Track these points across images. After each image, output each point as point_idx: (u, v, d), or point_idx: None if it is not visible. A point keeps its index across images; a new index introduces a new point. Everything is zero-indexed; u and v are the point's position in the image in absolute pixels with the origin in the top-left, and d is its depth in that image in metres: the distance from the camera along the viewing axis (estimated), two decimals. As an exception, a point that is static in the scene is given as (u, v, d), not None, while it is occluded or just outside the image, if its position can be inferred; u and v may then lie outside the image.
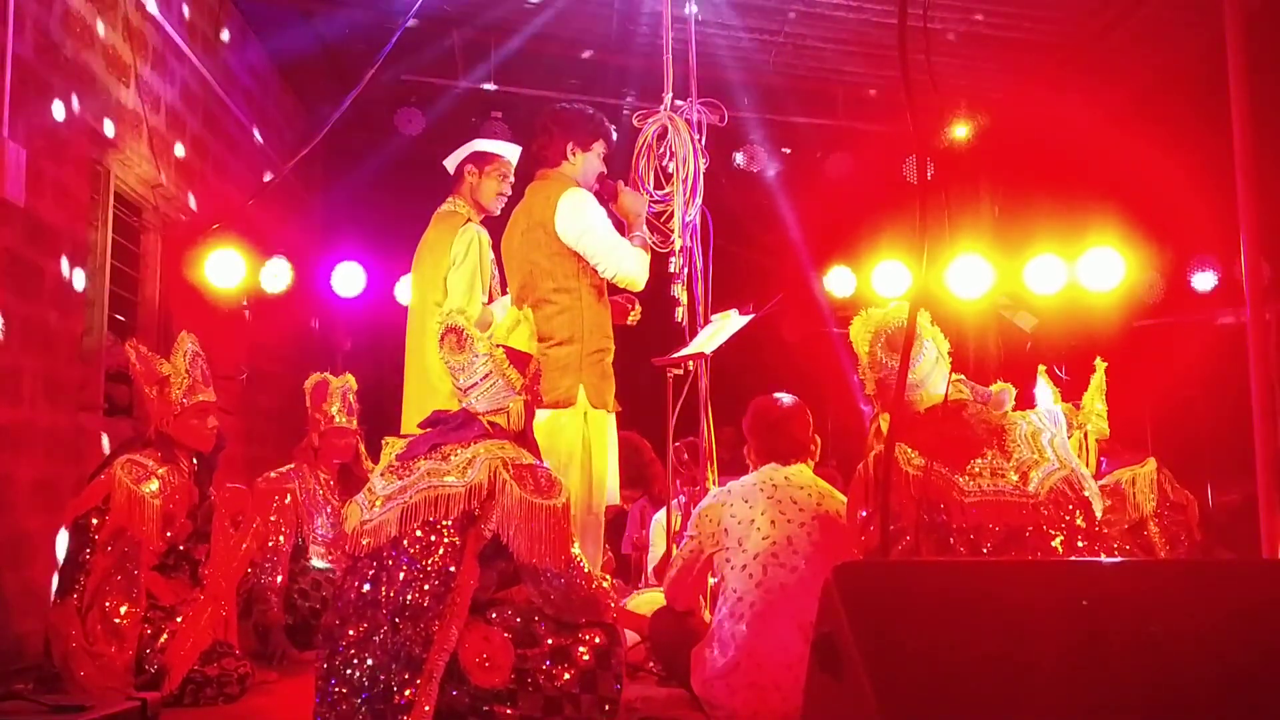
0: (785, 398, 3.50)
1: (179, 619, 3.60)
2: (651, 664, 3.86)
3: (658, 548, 5.05)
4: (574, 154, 3.91)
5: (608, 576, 3.19)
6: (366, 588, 2.77)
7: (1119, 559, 3.78)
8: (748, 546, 3.20)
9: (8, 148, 3.74)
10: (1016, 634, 1.57)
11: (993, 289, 7.18)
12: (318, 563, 4.63)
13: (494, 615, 2.81)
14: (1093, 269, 6.88)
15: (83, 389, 4.54)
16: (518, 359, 3.00)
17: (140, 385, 3.79)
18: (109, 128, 4.63)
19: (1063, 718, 1.52)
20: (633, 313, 4.03)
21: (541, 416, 3.45)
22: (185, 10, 5.50)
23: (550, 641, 2.77)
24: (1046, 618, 1.59)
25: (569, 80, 6.81)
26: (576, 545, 2.87)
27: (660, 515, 5.15)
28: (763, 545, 3.18)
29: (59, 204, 4.23)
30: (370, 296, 7.00)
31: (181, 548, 3.78)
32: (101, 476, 3.62)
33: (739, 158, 7.46)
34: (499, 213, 4.09)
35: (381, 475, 2.94)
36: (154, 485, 3.63)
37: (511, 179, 4.12)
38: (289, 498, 4.63)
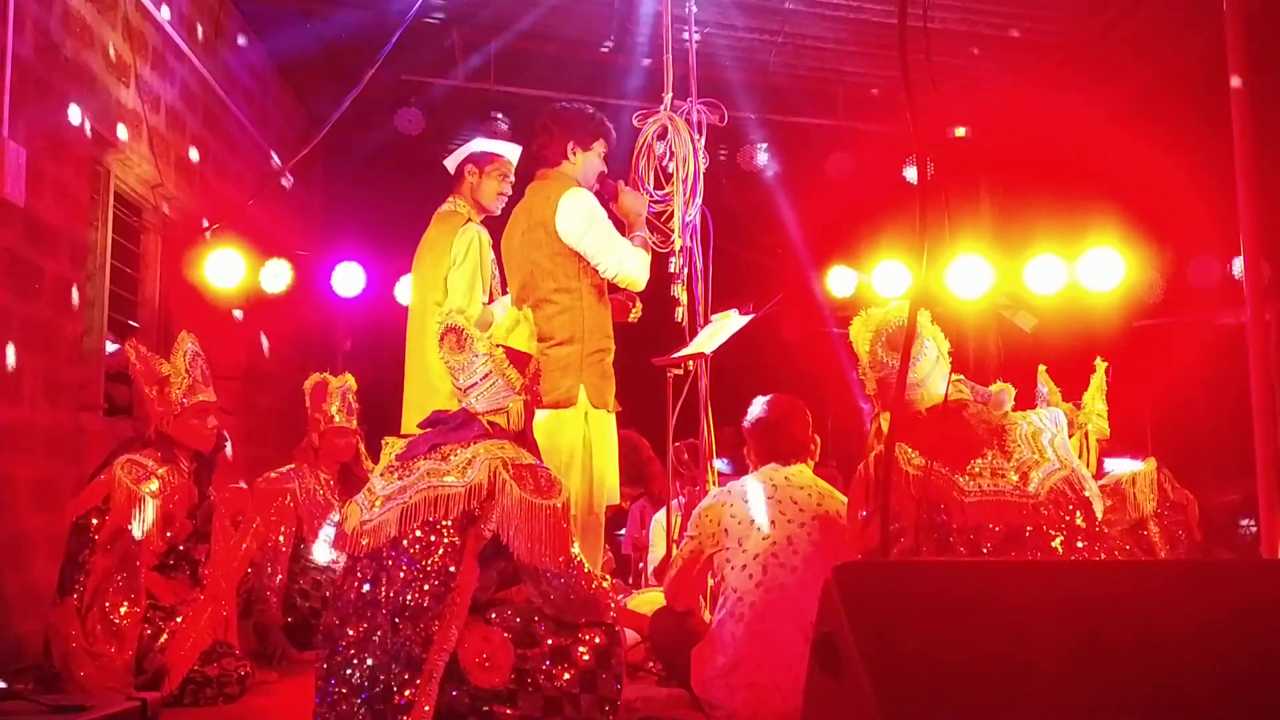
0: (765, 400, 3.49)
1: (179, 619, 3.60)
2: (651, 664, 3.86)
3: (658, 548, 5.05)
4: (574, 153, 3.91)
5: (608, 576, 3.19)
6: (366, 588, 2.77)
7: (1119, 559, 3.78)
8: (748, 546, 3.20)
9: (8, 148, 3.74)
10: (1016, 634, 1.57)
11: (993, 289, 7.18)
12: (323, 554, 4.60)
13: (494, 615, 2.81)
14: (1093, 269, 6.88)
15: (83, 389, 4.54)
16: (517, 359, 3.00)
17: (140, 385, 3.79)
18: (109, 128, 4.63)
19: (1063, 718, 1.52)
20: (634, 310, 4.03)
21: (542, 416, 3.45)
22: (185, 10, 5.50)
23: (550, 641, 2.77)
24: (1046, 618, 1.59)
25: (569, 80, 6.81)
26: (576, 545, 2.87)
27: (660, 515, 5.15)
28: (763, 545, 3.18)
29: (59, 204, 4.23)
30: (370, 296, 7.00)
31: (181, 548, 3.78)
32: (101, 476, 3.63)
33: (735, 156, 7.46)
34: (499, 212, 4.09)
35: (381, 475, 2.94)
36: (154, 485, 3.63)
37: (512, 179, 4.12)
38: (289, 498, 4.63)
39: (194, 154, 5.67)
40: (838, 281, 7.63)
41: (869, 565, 2.22)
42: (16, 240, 3.90)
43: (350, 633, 2.72)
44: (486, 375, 2.96)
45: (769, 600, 3.11)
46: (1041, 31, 6.39)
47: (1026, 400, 4.01)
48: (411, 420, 3.47)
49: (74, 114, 4.35)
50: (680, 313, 4.13)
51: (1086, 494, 2.77)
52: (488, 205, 4.06)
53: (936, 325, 3.08)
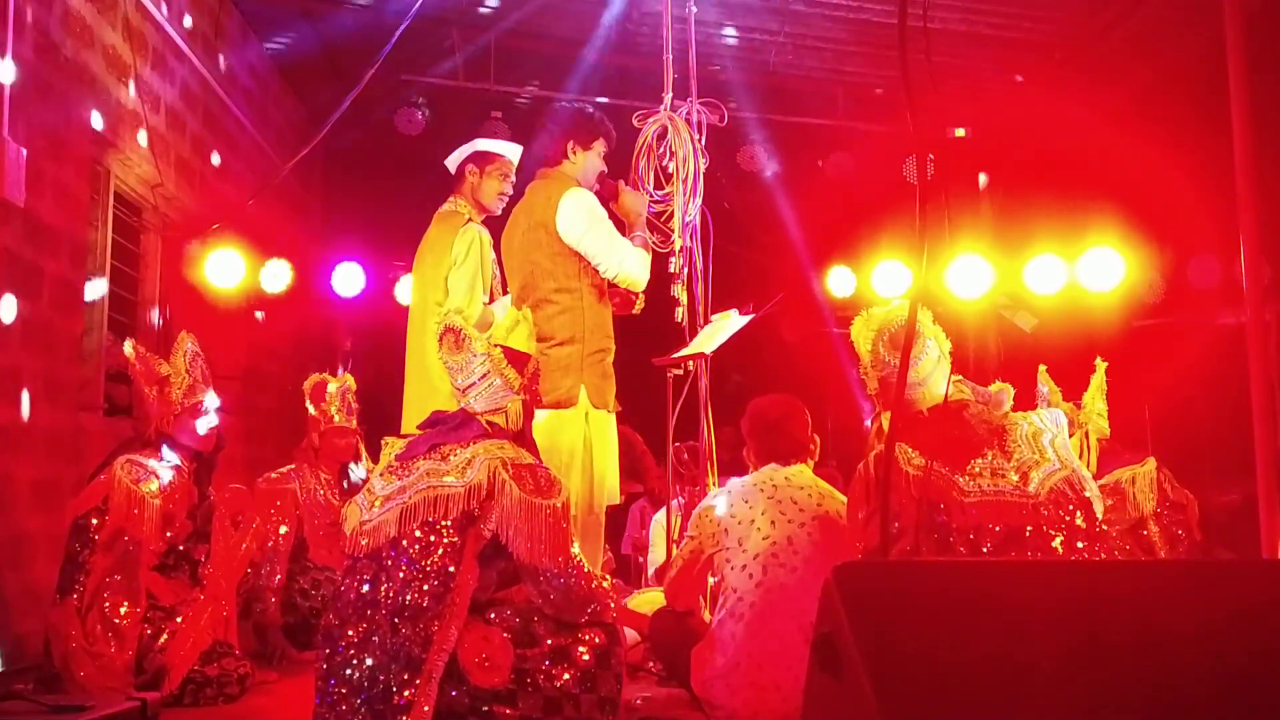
0: (764, 400, 3.48)
1: (179, 619, 3.60)
2: (651, 664, 3.86)
3: (658, 549, 5.05)
4: (574, 153, 3.91)
5: (608, 576, 3.19)
6: (366, 588, 2.77)
7: (1119, 559, 3.78)
8: (748, 546, 3.20)
9: (8, 148, 3.74)
10: (1016, 634, 1.57)
11: (993, 289, 7.18)
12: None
13: (493, 615, 2.81)
14: (1093, 269, 6.88)
15: (83, 389, 4.54)
16: (516, 359, 3.00)
17: (140, 385, 3.79)
18: (109, 128, 4.63)
19: (1063, 718, 1.52)
20: (637, 302, 4.00)
21: (542, 416, 3.45)
22: (185, 10, 5.50)
23: (550, 641, 2.77)
24: (1046, 618, 1.59)
25: (569, 80, 6.81)
26: (576, 545, 2.87)
27: (660, 515, 5.15)
28: (763, 545, 3.18)
29: (59, 204, 4.23)
30: (370, 296, 7.00)
31: (181, 548, 3.78)
32: (101, 476, 3.63)
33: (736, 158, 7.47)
34: (500, 212, 4.09)
35: (381, 475, 2.94)
36: (154, 485, 3.63)
37: (513, 178, 4.12)
38: (289, 498, 4.63)
39: (194, 154, 5.67)
40: (838, 281, 7.63)
41: (869, 565, 2.22)
42: (16, 240, 3.90)
43: (350, 633, 2.72)
44: (484, 375, 2.96)
45: (769, 600, 3.11)
46: (1041, 31, 6.39)
47: (1026, 400, 4.01)
48: (412, 420, 3.47)
49: (74, 114, 4.35)
50: (680, 313, 4.13)
51: (1087, 494, 2.77)
52: (489, 205, 4.06)
53: (938, 325, 3.08)
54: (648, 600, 3.96)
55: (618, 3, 6.10)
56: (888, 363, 2.99)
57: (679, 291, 4.10)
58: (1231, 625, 1.61)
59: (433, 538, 2.76)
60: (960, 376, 3.06)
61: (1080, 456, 4.02)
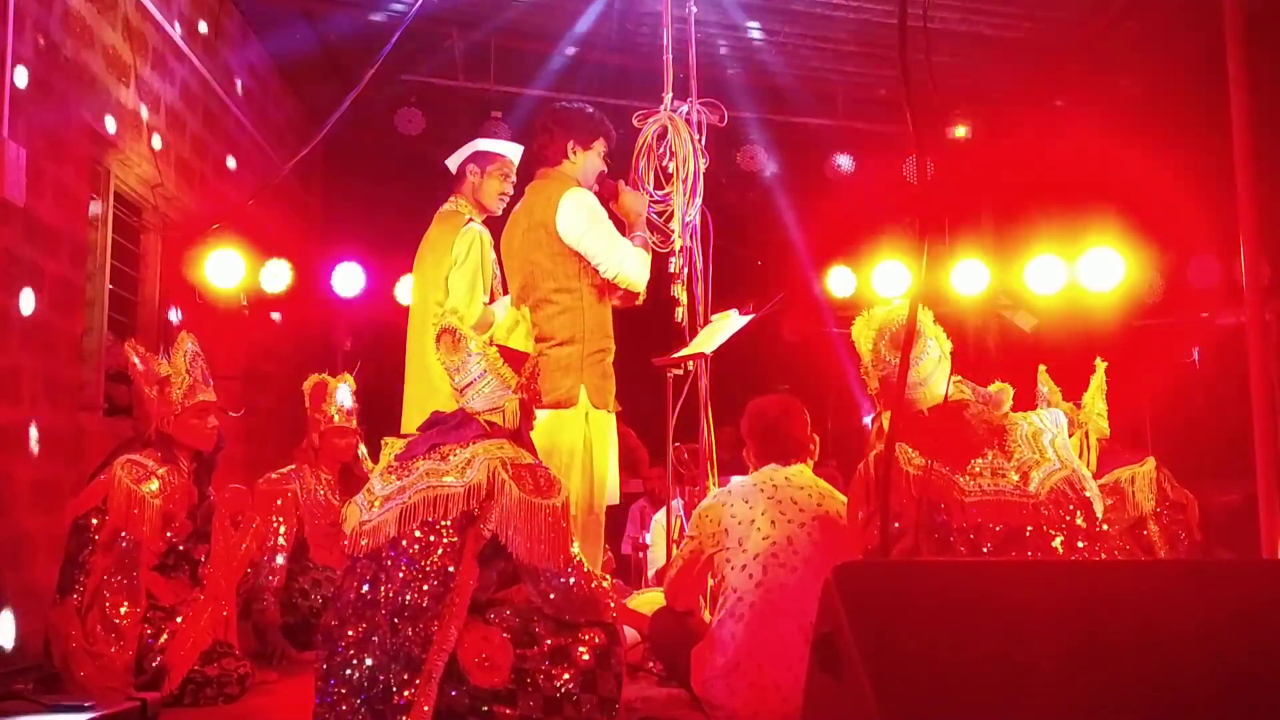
0: (764, 400, 3.48)
1: (179, 619, 3.60)
2: (651, 664, 3.86)
3: (658, 549, 5.05)
4: (575, 153, 3.91)
5: (608, 576, 3.19)
6: (365, 588, 2.77)
7: (1119, 559, 3.78)
8: (748, 547, 3.20)
9: (8, 148, 3.74)
10: (1016, 634, 1.57)
11: (992, 288, 7.18)
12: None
13: (493, 615, 2.81)
14: (1092, 269, 6.88)
15: (83, 389, 4.54)
16: (513, 358, 3.00)
17: (140, 385, 3.79)
18: (109, 128, 4.63)
19: (1063, 718, 1.52)
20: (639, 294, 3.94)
21: (542, 416, 3.45)
22: (185, 10, 5.50)
23: (550, 641, 2.77)
24: (1046, 618, 1.59)
25: (569, 80, 6.81)
26: (576, 545, 2.87)
27: (660, 515, 5.15)
28: (763, 545, 3.18)
29: (59, 204, 4.23)
30: (370, 296, 7.00)
31: (181, 548, 3.78)
32: (101, 476, 3.63)
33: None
34: (501, 212, 4.09)
35: (380, 476, 2.95)
36: (154, 485, 3.63)
37: (513, 178, 4.12)
38: (289, 498, 4.63)
39: (194, 154, 5.67)
40: (838, 281, 7.63)
41: (869, 565, 2.22)
42: (16, 240, 3.90)
43: (350, 633, 2.72)
44: (481, 375, 2.96)
45: (769, 600, 3.11)
46: (1041, 31, 6.39)
47: (1026, 400, 4.01)
48: (412, 420, 3.47)
49: (74, 114, 4.35)
50: (680, 313, 4.13)
51: (1087, 494, 2.77)
52: (489, 205, 4.06)
53: (939, 325, 3.08)
54: (648, 600, 3.96)
55: (619, 3, 6.11)
56: (889, 362, 2.99)
57: (679, 291, 4.10)
58: (1231, 625, 1.61)
59: (432, 538, 2.76)
60: (960, 377, 3.06)
61: (1080, 456, 4.02)
